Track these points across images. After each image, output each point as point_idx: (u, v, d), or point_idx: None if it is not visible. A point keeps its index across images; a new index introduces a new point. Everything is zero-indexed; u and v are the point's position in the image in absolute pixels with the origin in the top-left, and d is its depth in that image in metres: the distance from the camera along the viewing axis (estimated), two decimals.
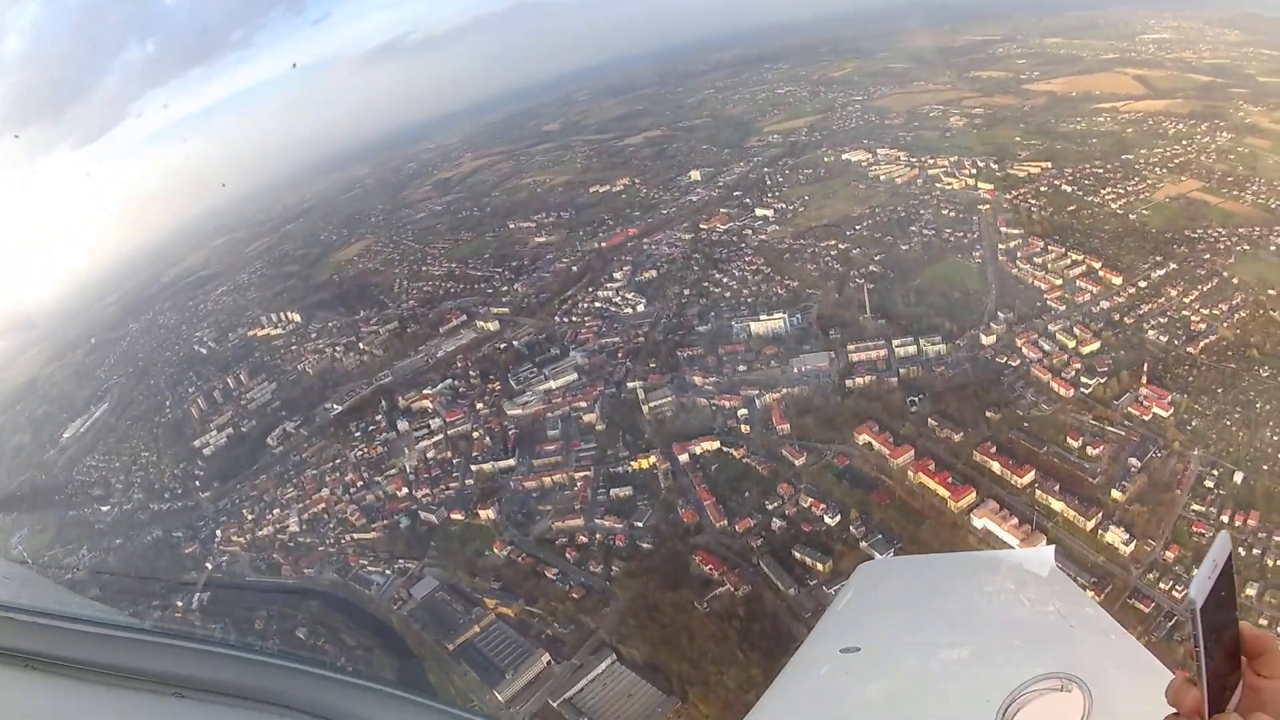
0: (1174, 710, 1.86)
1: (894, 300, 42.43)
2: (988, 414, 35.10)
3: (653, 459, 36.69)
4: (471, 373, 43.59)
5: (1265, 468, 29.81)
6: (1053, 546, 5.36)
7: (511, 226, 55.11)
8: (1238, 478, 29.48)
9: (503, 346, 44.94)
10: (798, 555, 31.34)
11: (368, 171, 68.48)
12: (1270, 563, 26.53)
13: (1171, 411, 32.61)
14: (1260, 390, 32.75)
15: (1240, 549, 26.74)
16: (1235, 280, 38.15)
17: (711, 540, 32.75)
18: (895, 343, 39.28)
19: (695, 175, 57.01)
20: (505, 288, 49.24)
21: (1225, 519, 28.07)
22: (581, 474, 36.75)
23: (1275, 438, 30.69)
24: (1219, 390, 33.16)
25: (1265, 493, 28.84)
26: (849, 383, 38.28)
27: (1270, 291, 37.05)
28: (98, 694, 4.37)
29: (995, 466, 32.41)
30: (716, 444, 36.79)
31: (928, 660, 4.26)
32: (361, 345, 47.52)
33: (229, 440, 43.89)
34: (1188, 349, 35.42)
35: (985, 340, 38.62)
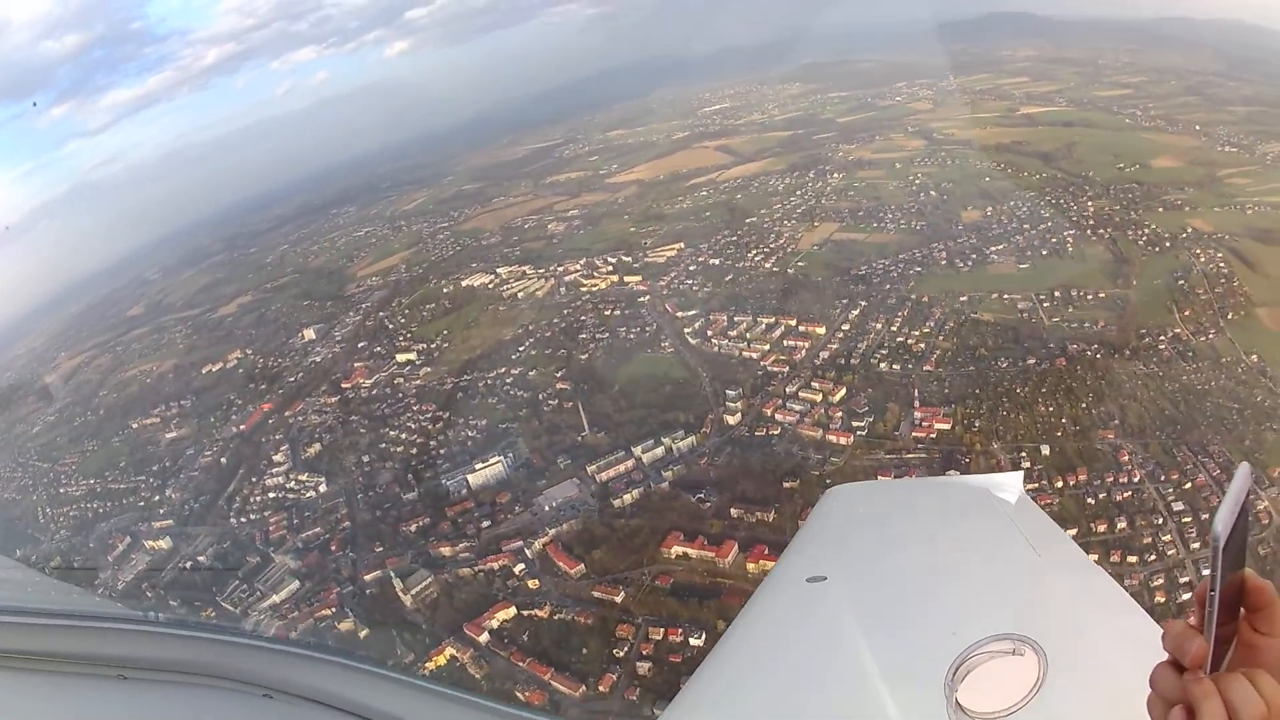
0: (1168, 658, 1.80)
1: (605, 410, 43.30)
2: (785, 484, 36.97)
3: (449, 650, 32.97)
4: (172, 602, 37.47)
5: (1059, 434, 36.17)
6: (1020, 473, 5.91)
7: (135, 426, 48.58)
8: (1045, 450, 35.49)
9: (188, 566, 38.93)
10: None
11: None
12: (1117, 497, 32.77)
13: (951, 422, 37.83)
14: (1012, 378, 39.56)
15: (1089, 499, 32.98)
16: (925, 299, 45.37)
17: (582, 712, 30.61)
18: (637, 450, 39.92)
19: (309, 334, 54.54)
20: (157, 497, 42.85)
21: (1060, 484, 33.62)
22: None
23: (1049, 408, 37.37)
24: (977, 391, 39.34)
25: (1076, 451, 35.14)
26: (615, 503, 38.05)
27: (962, 299, 44.82)
28: (36, 682, 4.91)
29: None
30: (513, 610, 34.01)
31: (895, 591, 4.59)
32: None
33: None
34: (924, 368, 41.34)
35: (731, 420, 40.81)
